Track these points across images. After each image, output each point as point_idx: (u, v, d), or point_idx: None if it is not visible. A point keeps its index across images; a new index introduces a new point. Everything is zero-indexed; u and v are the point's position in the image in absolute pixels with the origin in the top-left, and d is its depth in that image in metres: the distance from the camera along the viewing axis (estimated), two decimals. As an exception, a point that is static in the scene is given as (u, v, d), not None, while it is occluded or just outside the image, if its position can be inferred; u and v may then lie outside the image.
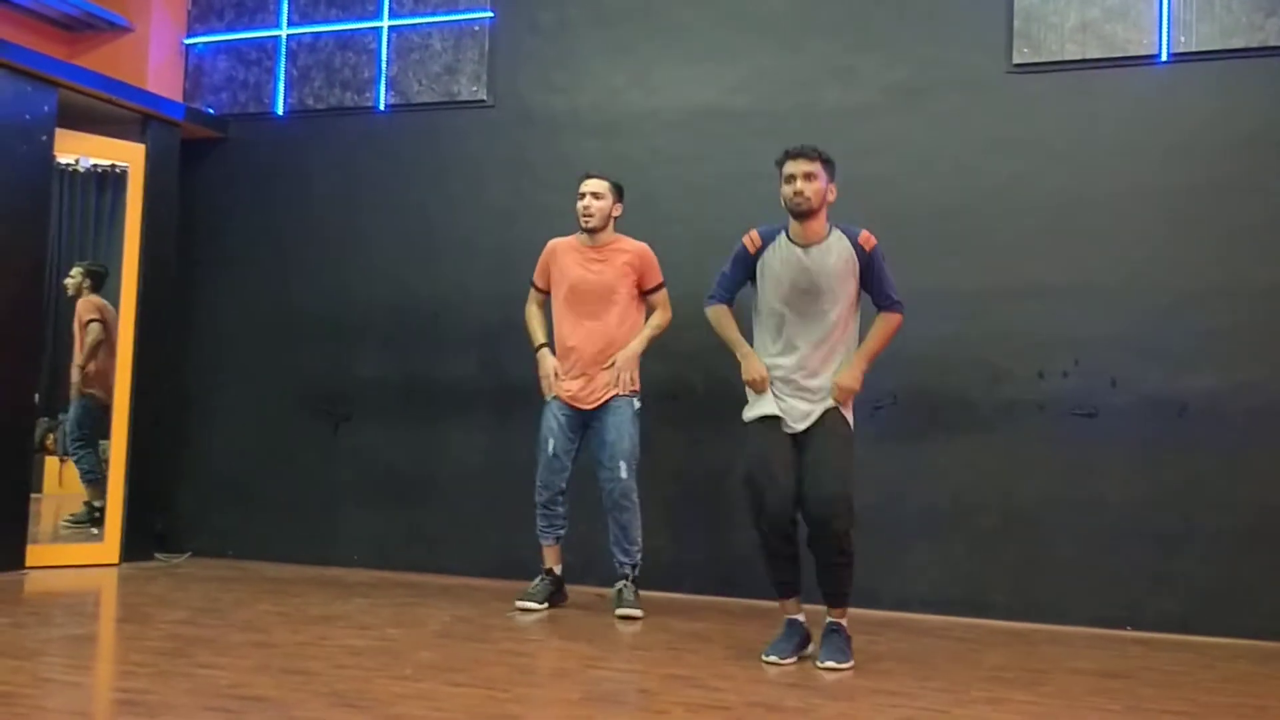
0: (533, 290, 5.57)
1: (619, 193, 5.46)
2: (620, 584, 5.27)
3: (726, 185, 5.93)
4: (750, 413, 4.42)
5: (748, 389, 4.45)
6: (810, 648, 4.37)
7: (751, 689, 3.88)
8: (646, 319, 5.45)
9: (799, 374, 4.37)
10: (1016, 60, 5.61)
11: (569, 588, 5.46)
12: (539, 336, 5.49)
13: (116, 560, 6.39)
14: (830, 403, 4.35)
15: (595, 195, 5.39)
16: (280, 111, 6.95)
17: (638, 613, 5.15)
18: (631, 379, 5.32)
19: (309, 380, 6.74)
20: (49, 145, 6.12)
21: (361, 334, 6.65)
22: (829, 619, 4.33)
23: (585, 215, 5.38)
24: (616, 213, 5.47)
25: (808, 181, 4.40)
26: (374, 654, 4.22)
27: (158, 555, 6.66)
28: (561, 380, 5.36)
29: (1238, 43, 5.31)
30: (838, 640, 4.27)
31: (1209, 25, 5.35)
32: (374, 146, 6.72)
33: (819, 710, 3.54)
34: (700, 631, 4.90)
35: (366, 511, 6.54)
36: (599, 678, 3.95)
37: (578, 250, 5.43)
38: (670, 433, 5.88)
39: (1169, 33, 5.42)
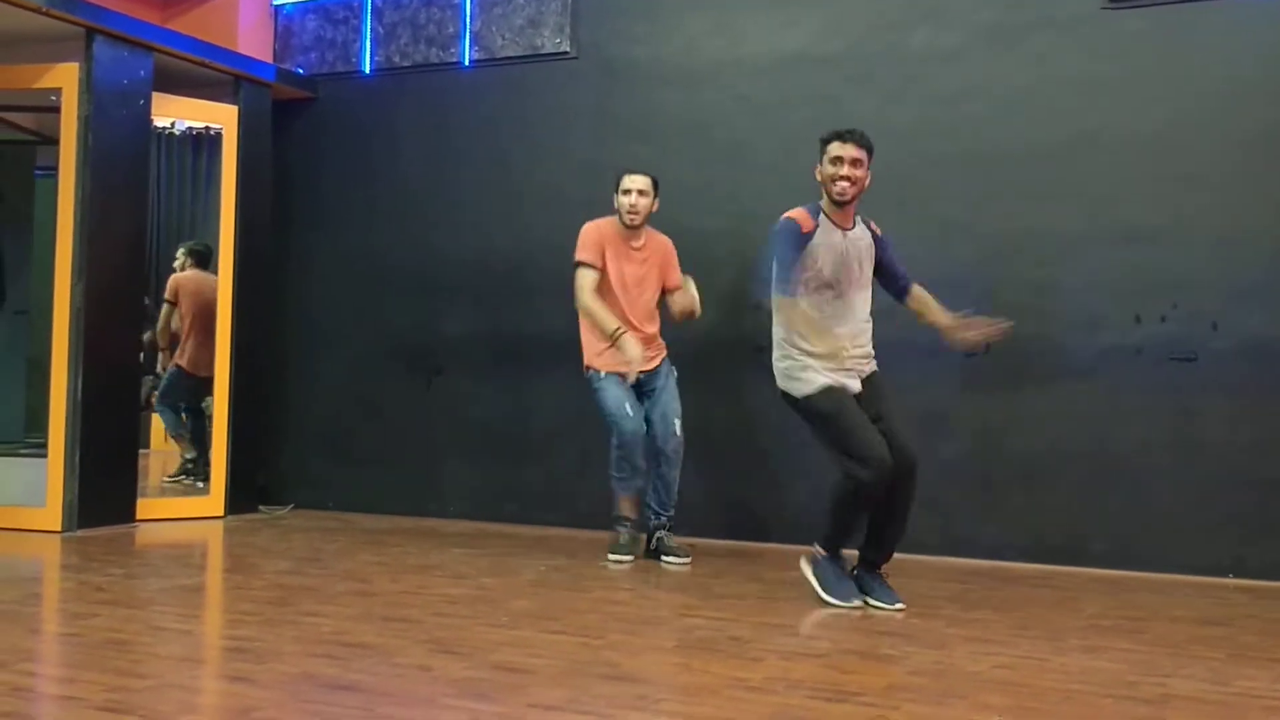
0: (587, 271, 5.37)
1: (657, 187, 5.51)
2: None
3: (815, 132, 5.80)
4: (810, 388, 4.39)
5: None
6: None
7: (845, 637, 3.89)
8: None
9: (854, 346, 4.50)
10: (1112, -5, 5.45)
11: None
12: (612, 320, 5.27)
13: (222, 513, 6.58)
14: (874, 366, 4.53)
15: (641, 193, 5.41)
16: (368, 70, 7.02)
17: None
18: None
19: (402, 335, 6.85)
20: (146, 109, 6.25)
21: (452, 289, 6.72)
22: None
23: (631, 213, 5.39)
24: (654, 208, 5.51)
25: (855, 168, 4.42)
26: (471, 602, 4.30)
27: (261, 508, 6.84)
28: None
29: (1348, -30, 5.09)
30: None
31: (1317, -48, 5.13)
32: (460, 102, 6.76)
33: (913, 658, 3.54)
34: (793, 580, 4.91)
35: (462, 464, 6.64)
36: (692, 625, 3.99)
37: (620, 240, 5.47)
38: (761, 387, 5.85)
39: (1274, -39, 5.21)
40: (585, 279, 5.35)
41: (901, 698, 3.08)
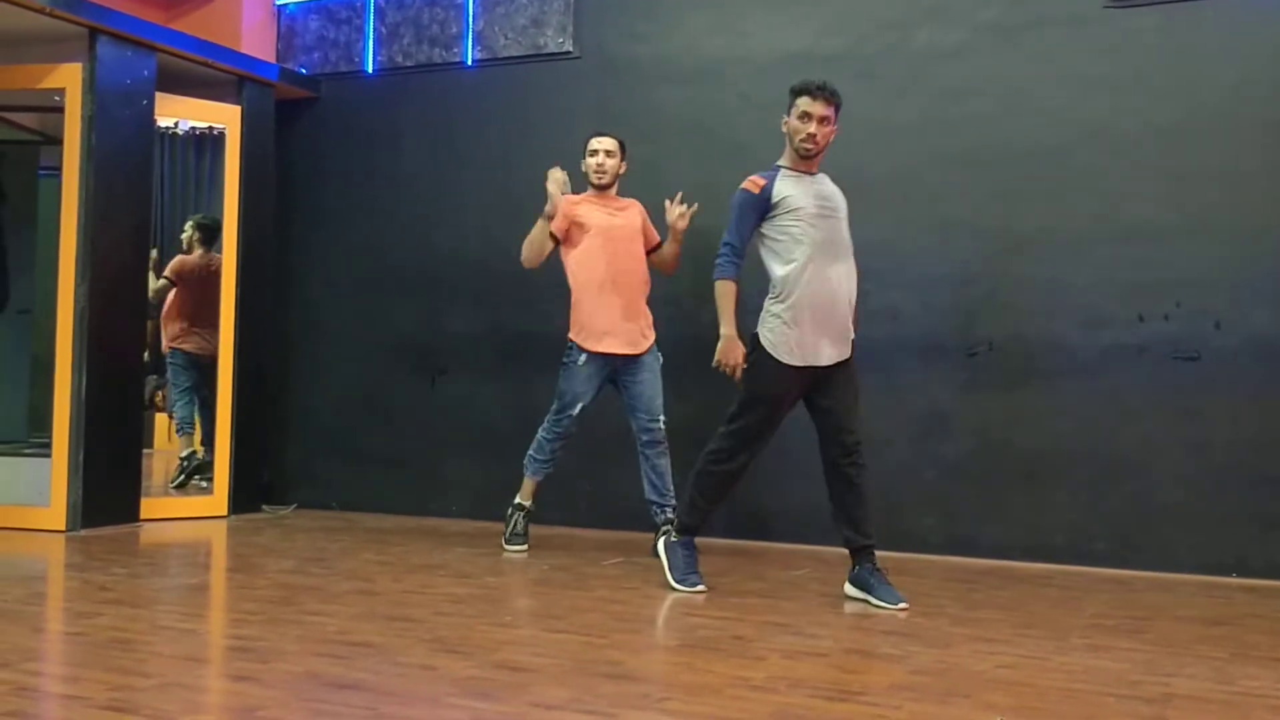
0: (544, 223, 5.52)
1: (624, 150, 5.60)
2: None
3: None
4: (773, 348, 4.39)
5: (721, 367, 4.44)
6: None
7: (848, 636, 3.89)
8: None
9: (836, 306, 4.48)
10: (1115, -7, 5.44)
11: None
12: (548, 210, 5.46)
13: (225, 512, 6.59)
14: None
15: (608, 153, 5.51)
16: (370, 70, 7.02)
17: None
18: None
19: (405, 335, 6.85)
20: (150, 109, 6.26)
21: (455, 288, 6.73)
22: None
23: (599, 172, 5.49)
24: (622, 171, 5.60)
25: (822, 125, 4.42)
26: (475, 601, 4.31)
27: (264, 507, 6.85)
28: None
29: (1352, -32, 5.09)
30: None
31: (1321, -50, 5.13)
32: (462, 102, 6.77)
33: (916, 657, 3.53)
34: (795, 579, 4.92)
35: (465, 463, 6.65)
36: (695, 624, 3.99)
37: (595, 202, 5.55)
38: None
39: (1278, -41, 5.20)
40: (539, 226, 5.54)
41: (904, 697, 3.08)
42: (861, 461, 4.43)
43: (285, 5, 7.24)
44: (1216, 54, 5.27)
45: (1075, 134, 5.46)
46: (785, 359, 4.37)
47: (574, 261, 5.50)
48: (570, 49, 6.51)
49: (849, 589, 4.46)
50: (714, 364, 4.48)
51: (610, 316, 5.40)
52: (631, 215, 5.55)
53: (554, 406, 5.49)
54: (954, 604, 4.42)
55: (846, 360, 4.48)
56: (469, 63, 6.77)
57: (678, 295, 5.86)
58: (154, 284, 6.72)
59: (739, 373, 4.44)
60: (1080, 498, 5.38)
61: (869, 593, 4.36)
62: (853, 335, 4.51)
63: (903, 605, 4.26)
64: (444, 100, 6.81)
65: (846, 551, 4.48)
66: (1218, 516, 5.15)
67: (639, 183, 5.74)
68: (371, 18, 7.02)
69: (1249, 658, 3.63)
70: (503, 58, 6.68)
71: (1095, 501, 5.36)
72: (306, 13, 7.19)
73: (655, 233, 5.62)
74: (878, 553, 4.46)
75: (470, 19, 6.76)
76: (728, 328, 4.44)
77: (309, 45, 7.17)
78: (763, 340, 4.43)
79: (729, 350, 4.43)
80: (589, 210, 5.50)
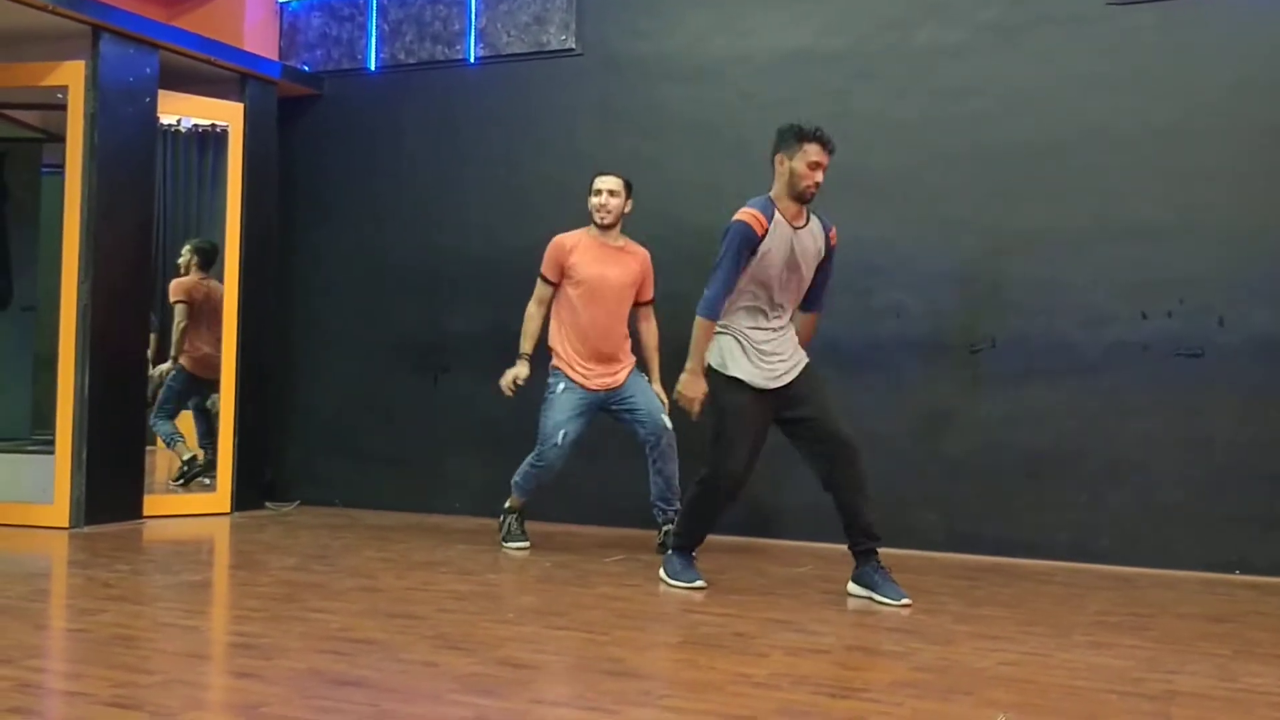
0: (541, 284, 5.55)
1: (630, 189, 5.55)
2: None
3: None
4: (725, 369, 4.42)
5: (679, 398, 4.44)
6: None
7: (849, 632, 3.89)
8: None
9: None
10: (1118, -9, 5.44)
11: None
12: (528, 344, 5.55)
13: (228, 509, 6.60)
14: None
15: (612, 193, 5.46)
16: (373, 67, 7.03)
17: None
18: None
19: (408, 333, 6.86)
20: (152, 106, 6.26)
21: (458, 286, 6.73)
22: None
23: (602, 212, 5.44)
24: (628, 209, 5.54)
25: (824, 172, 4.42)
26: (477, 598, 4.31)
27: (267, 504, 6.86)
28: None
29: (1355, -35, 5.08)
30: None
31: (1324, -53, 5.12)
32: (465, 99, 6.77)
33: (918, 654, 3.54)
34: (797, 576, 4.92)
35: (467, 461, 6.66)
36: (697, 621, 3.99)
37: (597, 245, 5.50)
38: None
39: (1281, -43, 5.20)
40: (537, 290, 5.56)
41: (906, 694, 3.08)
42: (862, 465, 4.40)
43: (288, 2, 7.24)
44: (1216, 53, 5.26)
45: (1075, 133, 5.45)
46: (734, 374, 4.38)
47: (557, 302, 5.51)
48: (573, 46, 6.51)
49: (852, 587, 4.46)
50: (674, 396, 4.49)
51: (586, 356, 5.45)
52: (629, 266, 5.51)
53: (538, 441, 5.44)
54: (956, 601, 4.42)
55: (804, 372, 4.47)
56: (471, 60, 6.77)
57: (678, 293, 5.85)
58: (179, 320, 6.77)
59: (697, 407, 4.42)
60: (1083, 495, 5.38)
61: (873, 590, 4.37)
62: (802, 351, 4.53)
63: (905, 602, 4.27)
64: (446, 98, 6.82)
65: (849, 549, 4.48)
66: (1220, 513, 5.15)
67: (641, 180, 5.73)
68: (374, 15, 7.02)
69: (1252, 655, 3.63)
70: (505, 55, 6.68)
71: (1098, 499, 5.36)
72: (309, 10, 7.19)
73: (651, 288, 5.61)
74: (880, 550, 4.46)
75: (473, 16, 6.76)
76: (694, 362, 4.42)
77: (311, 42, 7.18)
78: (714, 365, 4.43)
79: (690, 384, 4.41)
80: (583, 258, 5.45)
